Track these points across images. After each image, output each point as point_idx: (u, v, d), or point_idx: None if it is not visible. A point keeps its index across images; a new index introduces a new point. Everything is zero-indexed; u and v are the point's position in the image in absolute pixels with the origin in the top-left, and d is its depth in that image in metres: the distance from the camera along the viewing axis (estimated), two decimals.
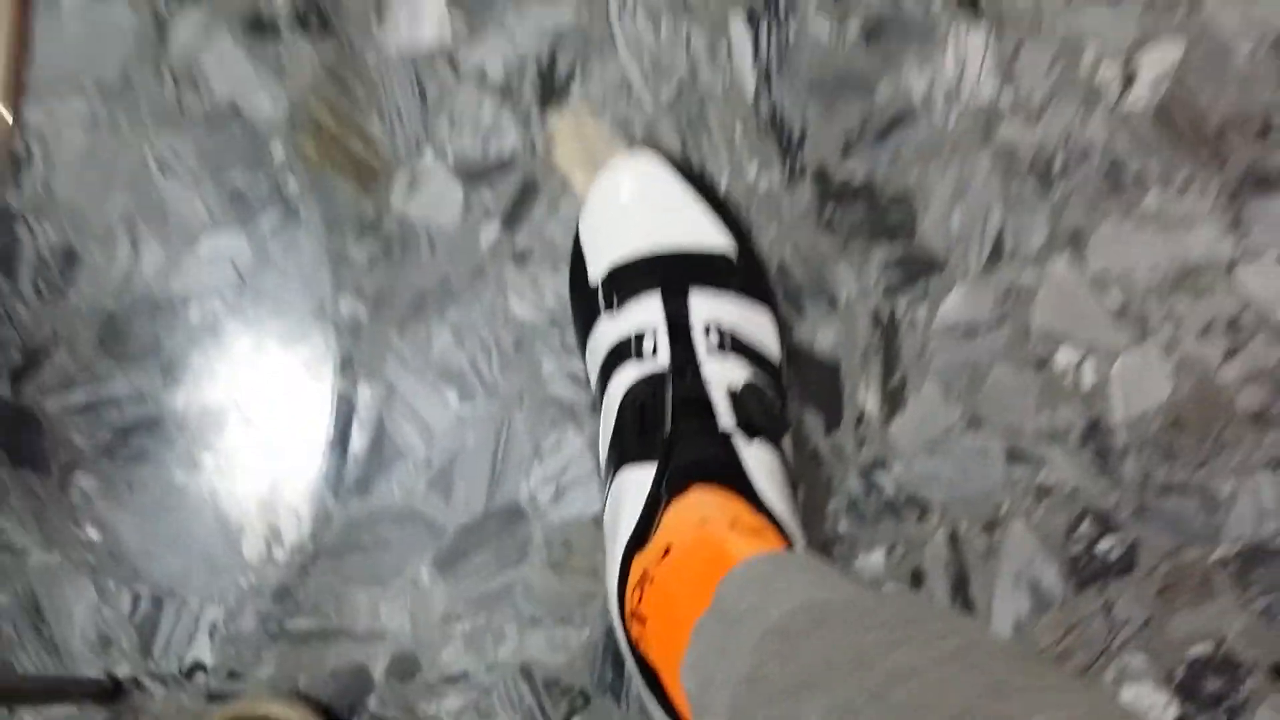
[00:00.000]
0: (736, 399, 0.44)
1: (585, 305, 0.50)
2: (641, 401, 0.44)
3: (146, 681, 0.51)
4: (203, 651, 0.52)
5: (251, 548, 0.53)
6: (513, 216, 0.55)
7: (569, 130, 0.56)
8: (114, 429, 0.54)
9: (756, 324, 0.49)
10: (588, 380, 0.52)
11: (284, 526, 0.53)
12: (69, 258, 0.55)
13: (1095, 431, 0.54)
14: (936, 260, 0.56)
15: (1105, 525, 0.54)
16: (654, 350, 0.45)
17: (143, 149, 0.56)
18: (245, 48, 0.56)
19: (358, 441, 0.53)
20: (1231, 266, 0.56)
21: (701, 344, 0.46)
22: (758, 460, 0.43)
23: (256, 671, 0.52)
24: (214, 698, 0.52)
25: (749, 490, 0.42)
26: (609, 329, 0.48)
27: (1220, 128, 0.57)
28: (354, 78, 0.56)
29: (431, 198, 0.56)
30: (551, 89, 0.57)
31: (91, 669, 0.50)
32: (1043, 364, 0.55)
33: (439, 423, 0.54)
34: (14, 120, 0.43)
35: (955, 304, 0.55)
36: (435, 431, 0.54)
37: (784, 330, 0.51)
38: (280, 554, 0.52)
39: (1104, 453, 0.54)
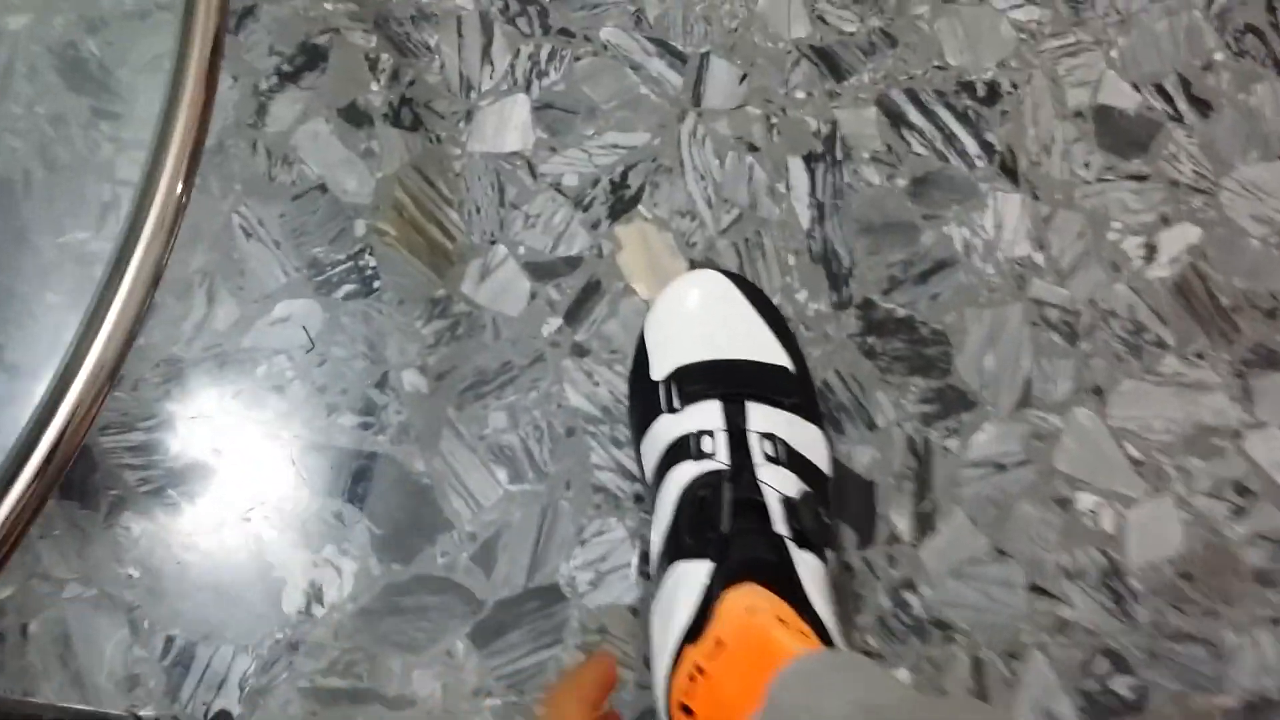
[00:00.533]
0: (791, 507, 0.60)
1: (645, 400, 0.68)
2: (700, 498, 0.60)
3: None
4: (230, 701, 0.67)
5: (291, 602, 0.69)
6: (574, 312, 0.76)
7: (635, 240, 0.79)
8: (165, 471, 0.71)
9: (809, 440, 0.66)
10: (639, 473, 0.71)
11: (325, 584, 0.70)
12: (147, 301, 0.74)
13: (1112, 574, 0.74)
14: (969, 397, 0.77)
15: (1119, 665, 0.73)
16: (713, 452, 0.62)
17: (229, 212, 0.76)
18: (339, 132, 0.78)
19: (408, 509, 0.71)
20: (1240, 433, 0.78)
21: (758, 451, 0.62)
22: (808, 567, 0.58)
23: None
24: None
25: (798, 595, 0.56)
26: (669, 426, 0.65)
27: (1233, 305, 0.80)
28: (438, 171, 0.78)
29: (500, 287, 0.76)
30: (621, 202, 0.79)
31: (116, 707, 0.65)
32: (1065, 505, 0.76)
33: (487, 499, 0.72)
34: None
35: (986, 440, 0.76)
36: (483, 506, 0.72)
37: (832, 449, 0.72)
38: (319, 611, 0.69)
39: (1119, 595, 0.74)
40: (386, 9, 0.78)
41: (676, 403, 0.65)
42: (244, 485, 0.69)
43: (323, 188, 0.75)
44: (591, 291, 0.75)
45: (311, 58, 0.77)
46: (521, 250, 0.75)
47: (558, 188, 0.76)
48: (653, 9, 0.80)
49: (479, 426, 0.72)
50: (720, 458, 0.62)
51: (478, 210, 0.75)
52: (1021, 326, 0.77)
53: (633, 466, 0.72)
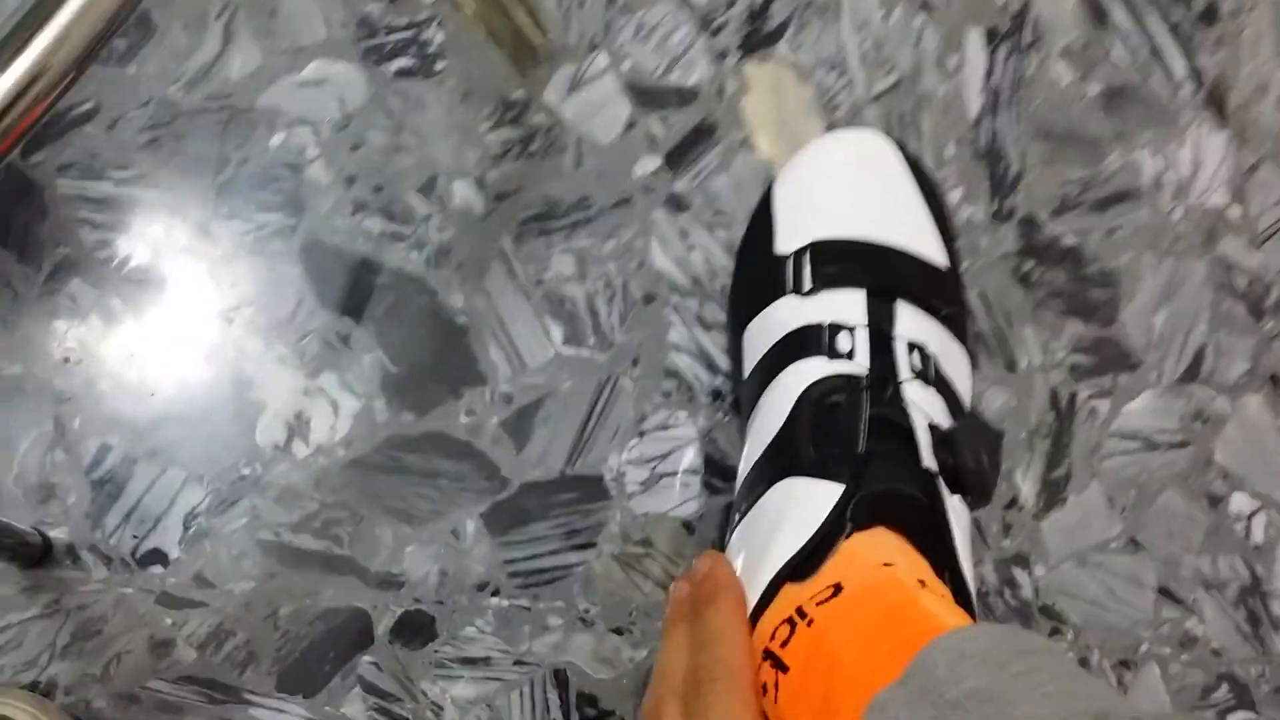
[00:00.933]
0: (944, 438, 0.47)
1: (761, 275, 0.53)
2: (832, 404, 0.47)
3: (85, 555, 0.51)
4: (169, 540, 0.52)
5: (267, 433, 0.54)
6: (678, 155, 0.61)
7: (766, 85, 0.63)
8: (135, 238, 0.55)
9: (957, 361, 0.52)
10: (728, 365, 0.57)
11: (315, 417, 0.55)
12: (143, 24, 0.58)
13: (1253, 592, 0.61)
14: (1131, 356, 0.63)
15: (1242, 698, 0.60)
16: (850, 351, 0.48)
17: None
18: None
19: (435, 350, 0.56)
20: None
21: (904, 363, 0.48)
22: (959, 517, 0.46)
23: (230, 585, 0.52)
24: (165, 602, 0.52)
25: (945, 550, 0.44)
26: (795, 310, 0.51)
27: None
28: None
29: (592, 104, 0.61)
30: (759, 35, 0.64)
31: (19, 519, 0.50)
32: (1216, 503, 0.62)
33: (534, 358, 0.57)
34: None
35: (1140, 409, 0.63)
36: (528, 366, 0.57)
37: (974, 389, 0.57)
38: (301, 449, 0.54)
39: (1257, 618, 0.61)
40: None
41: (809, 283, 0.51)
42: (231, 276, 0.54)
43: None
44: (703, 135, 0.60)
45: None
46: (626, 66, 0.60)
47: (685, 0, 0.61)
48: None
49: (538, 268, 0.57)
50: (859, 360, 0.48)
51: (581, 4, 0.60)
52: (1204, 287, 0.64)
53: (718, 355, 0.58)
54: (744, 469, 0.51)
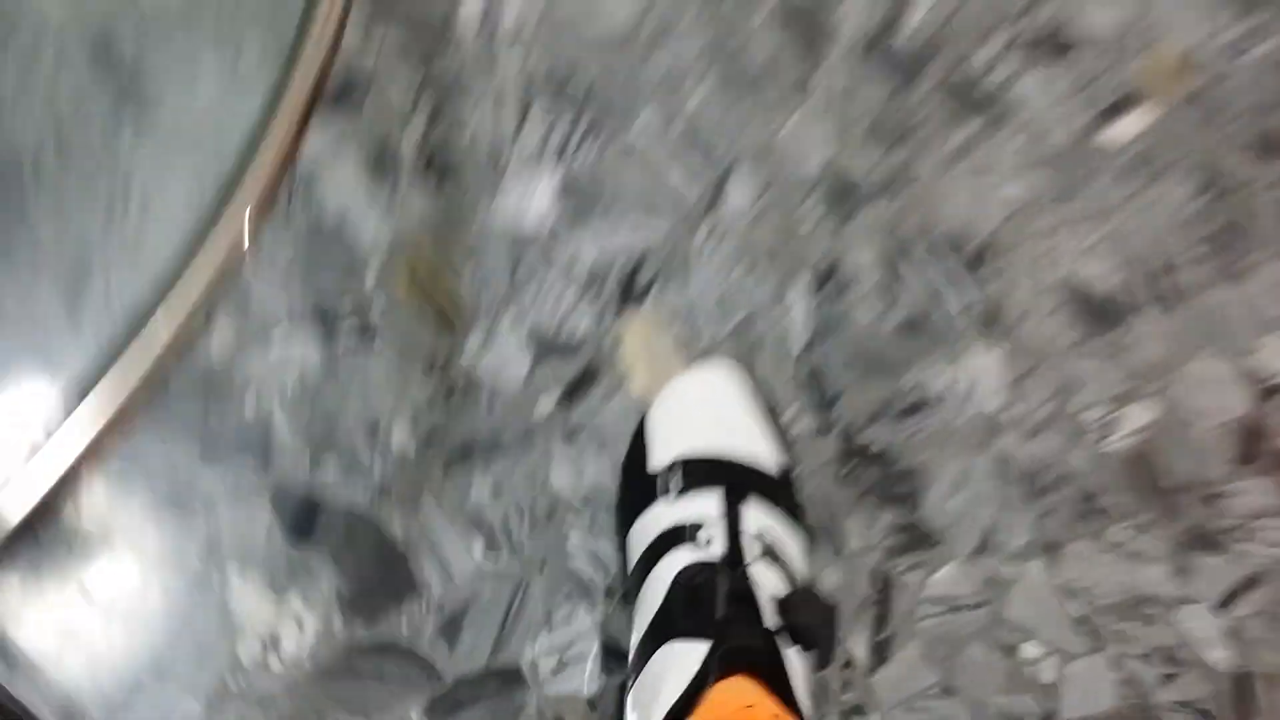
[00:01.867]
0: (782, 604, 0.62)
1: (639, 487, 0.69)
2: (696, 584, 0.62)
3: None
4: None
5: (248, 650, 0.67)
6: (570, 394, 0.77)
7: (637, 334, 0.81)
8: (135, 493, 0.69)
9: (794, 544, 0.69)
10: (620, 564, 0.72)
11: (285, 635, 0.68)
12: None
13: None
14: (934, 536, 0.80)
15: None
16: (708, 541, 0.65)
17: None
18: (365, 177, 0.79)
19: (380, 570, 0.71)
20: (1174, 606, 0.83)
21: (751, 548, 0.65)
22: (797, 665, 0.61)
23: None
24: None
25: (786, 693, 0.59)
26: (665, 513, 0.67)
27: (1176, 487, 0.86)
28: (455, 237, 0.79)
29: (500, 358, 0.77)
30: (630, 294, 0.81)
31: None
32: (1010, 651, 0.79)
33: (460, 571, 0.72)
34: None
35: (945, 579, 0.80)
36: (455, 578, 0.72)
37: (813, 564, 0.74)
38: (275, 663, 0.67)
39: None
40: (429, 71, 0.80)
41: (676, 491, 0.67)
42: (213, 519, 0.68)
43: (340, 231, 0.75)
44: (589, 378, 0.76)
45: (345, 97, 0.78)
46: (526, 325, 0.76)
47: (570, 270, 0.78)
48: (684, 116, 0.83)
49: (461, 495, 0.72)
50: (716, 549, 0.64)
51: (488, 281, 0.77)
52: (987, 477, 0.81)
53: (609, 557, 0.73)
54: (633, 646, 0.66)
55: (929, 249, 0.87)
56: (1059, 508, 0.82)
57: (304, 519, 0.70)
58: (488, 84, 0.81)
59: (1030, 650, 0.78)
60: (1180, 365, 0.88)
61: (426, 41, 0.81)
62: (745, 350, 0.80)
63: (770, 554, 0.66)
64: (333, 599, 0.68)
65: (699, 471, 0.68)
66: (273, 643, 0.67)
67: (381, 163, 0.78)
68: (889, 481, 0.80)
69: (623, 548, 0.70)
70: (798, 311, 0.83)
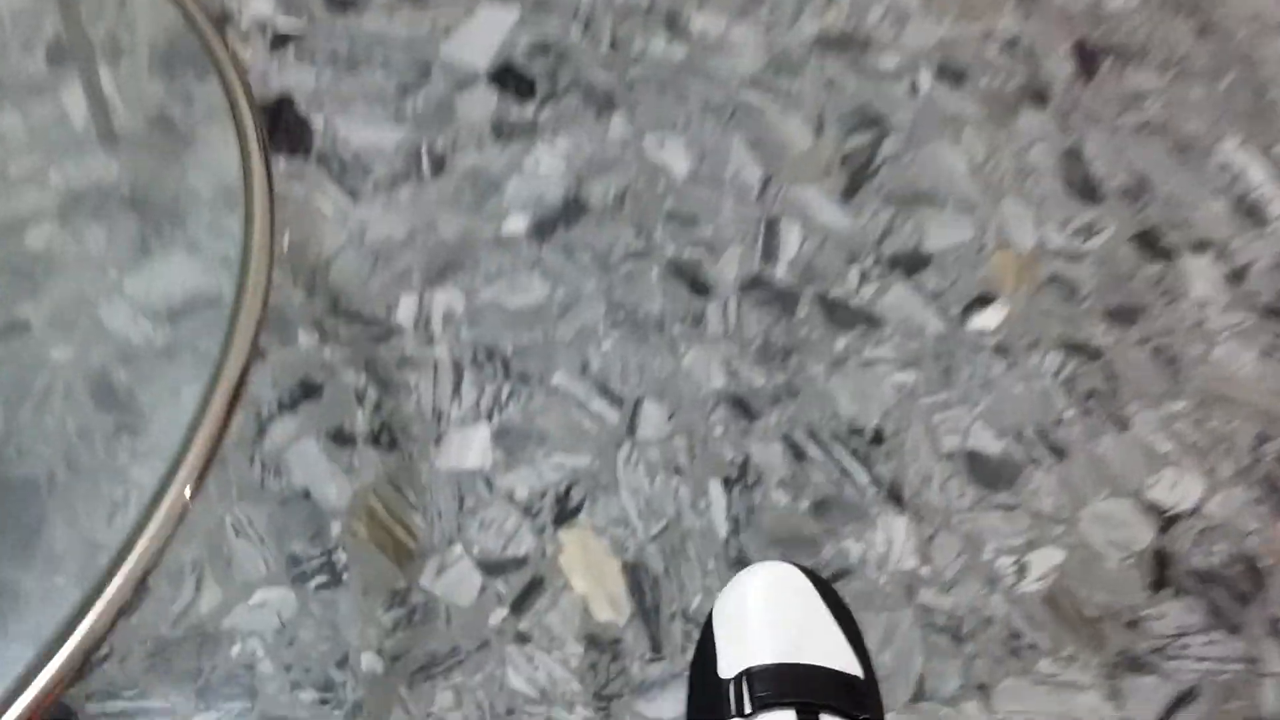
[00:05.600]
0: None
1: (710, 695, 0.66)
2: None
3: None
4: None
5: None
6: (519, 604, 0.89)
7: (575, 544, 0.93)
8: None
9: None
10: None
11: None
12: (139, 588, 0.86)
13: None
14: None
15: None
16: None
17: (224, 513, 0.90)
18: (326, 451, 0.94)
19: None
20: None
21: None
22: None
23: None
24: None
25: None
26: None
27: (1097, 616, 0.94)
28: (408, 482, 0.94)
29: (454, 580, 0.89)
30: (565, 511, 0.94)
31: None
32: None
33: None
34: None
35: None
36: None
37: None
38: None
39: None
40: (375, 355, 0.97)
41: (748, 707, 0.64)
42: None
43: (306, 494, 0.89)
44: (535, 586, 0.88)
45: (308, 391, 0.95)
46: (475, 550, 0.89)
47: (510, 499, 0.92)
48: (595, 361, 0.99)
49: (426, 704, 0.82)
50: None
51: (439, 515, 0.90)
52: (912, 629, 0.90)
53: None
54: None
55: (831, 436, 1.00)
56: (986, 649, 0.90)
57: None
58: (427, 361, 0.98)
59: None
60: (1080, 508, 0.98)
61: (373, 333, 0.99)
62: (676, 544, 0.92)
63: None
64: None
65: (770, 684, 0.65)
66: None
67: (340, 435, 0.93)
68: None
69: None
70: (717, 507, 0.95)
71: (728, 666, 0.68)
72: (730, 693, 0.65)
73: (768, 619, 0.69)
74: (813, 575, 0.72)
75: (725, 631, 0.71)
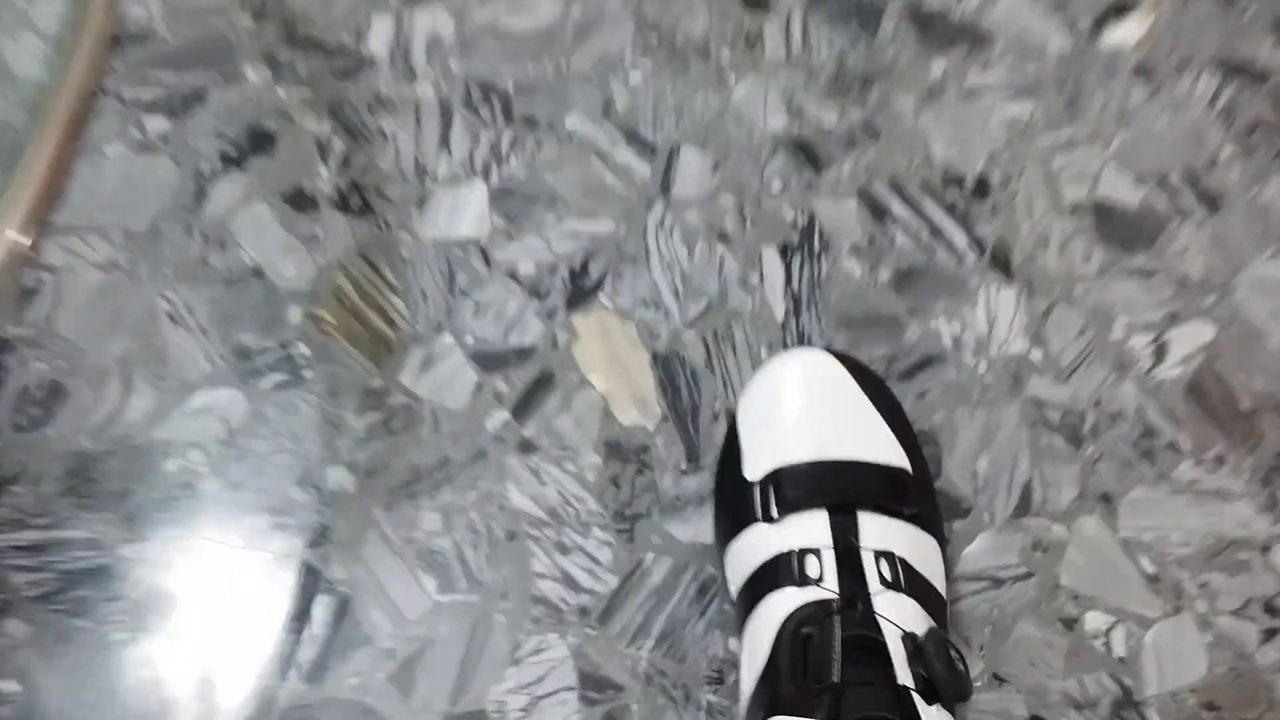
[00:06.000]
0: (917, 648, 0.50)
1: (735, 500, 0.58)
2: (805, 635, 0.50)
3: None
4: None
5: (181, 718, 0.62)
6: (523, 406, 0.71)
7: (593, 331, 0.74)
8: (58, 574, 0.66)
9: (927, 556, 0.57)
10: (719, 574, 0.62)
11: (221, 707, 0.63)
12: (55, 392, 0.70)
13: (1126, 704, 0.66)
14: (962, 504, 0.71)
15: None
16: (819, 576, 0.53)
17: (156, 298, 0.73)
18: (282, 217, 0.76)
19: (319, 621, 0.65)
20: (1268, 546, 0.71)
21: (873, 575, 0.52)
22: None
23: None
24: None
25: None
26: (765, 539, 0.56)
27: (1253, 408, 0.75)
28: (385, 257, 0.75)
29: (443, 378, 0.72)
30: (581, 291, 0.75)
31: None
32: (1071, 625, 0.68)
33: (412, 610, 0.66)
34: (31, 249, 0.60)
35: (980, 550, 0.69)
36: (407, 619, 0.65)
37: (949, 568, 0.62)
38: None
39: None
40: (342, 95, 0.77)
41: (775, 510, 0.57)
42: (140, 595, 0.64)
43: (259, 273, 0.72)
44: (543, 384, 0.70)
45: (259, 142, 0.76)
46: (469, 340, 0.71)
47: (513, 275, 0.73)
48: (621, 98, 0.78)
49: (408, 529, 0.66)
50: (828, 584, 0.53)
51: (424, 297, 0.72)
52: (1018, 428, 0.71)
53: (579, 574, 0.66)
54: (744, 693, 0.55)
55: (921, 188, 0.78)
56: (1112, 451, 0.72)
57: (238, 577, 0.65)
58: (407, 102, 0.77)
59: (1096, 620, 0.67)
60: (1237, 273, 0.77)
61: (338, 66, 0.78)
62: (720, 329, 0.73)
63: (899, 577, 0.54)
64: (270, 661, 0.63)
65: (799, 484, 0.57)
66: (209, 710, 0.61)
67: (300, 198, 0.75)
68: None
69: (722, 564, 0.61)
70: (773, 282, 0.75)
71: (753, 468, 0.58)
72: (756, 496, 0.57)
73: (797, 413, 0.59)
74: (851, 362, 0.62)
75: (750, 429, 0.60)
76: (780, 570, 0.55)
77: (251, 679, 0.63)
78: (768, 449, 0.59)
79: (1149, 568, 0.69)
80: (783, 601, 0.54)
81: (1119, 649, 0.67)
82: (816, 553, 0.54)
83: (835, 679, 0.49)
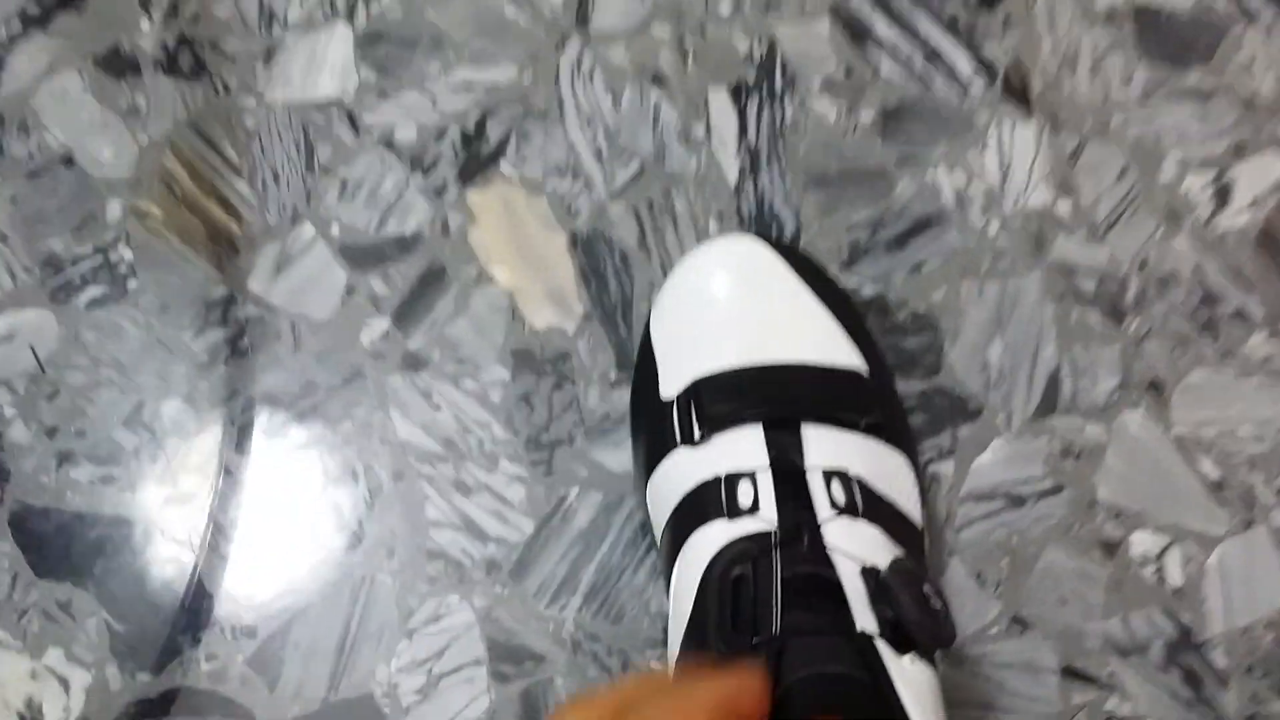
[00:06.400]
0: (879, 585, 0.40)
1: (653, 427, 0.47)
2: (736, 578, 0.40)
3: None
4: None
5: None
6: (407, 310, 0.57)
7: (494, 210, 0.59)
8: None
9: (894, 474, 0.46)
10: (648, 531, 0.49)
11: (45, 699, 0.50)
12: None
13: (1185, 646, 0.52)
14: (969, 403, 0.56)
15: None
16: (754, 504, 0.42)
17: None
18: (95, 87, 0.60)
19: (163, 596, 0.52)
20: None
21: (822, 500, 0.42)
22: (913, 685, 0.38)
23: None
24: None
25: None
26: (688, 466, 0.45)
27: None
28: (225, 129, 0.60)
29: (304, 280, 0.57)
30: (477, 159, 0.60)
31: None
32: (1113, 549, 0.54)
33: (275, 576, 0.52)
34: None
35: (993, 461, 0.55)
36: (269, 588, 0.52)
37: (924, 487, 0.49)
38: None
39: (1196, 677, 0.52)
40: None
41: (698, 430, 0.45)
42: None
43: (69, 160, 0.57)
44: (432, 281, 0.56)
45: (66, 6, 0.60)
46: (335, 230, 0.56)
47: (388, 144, 0.58)
48: None
49: (269, 473, 0.52)
50: (765, 514, 0.42)
51: (276, 178, 0.57)
52: (1042, 302, 0.56)
53: (486, 520, 0.52)
54: (670, 656, 0.44)
55: (914, 0, 0.62)
56: (1163, 325, 0.57)
57: (56, 542, 0.51)
58: None
59: (1144, 542, 0.53)
60: None
61: None
62: (657, 199, 0.58)
63: (856, 499, 0.43)
64: (105, 644, 0.50)
65: (725, 396, 0.45)
66: (31, 712, 0.49)
67: (117, 61, 0.59)
68: (891, 337, 0.56)
69: (644, 504, 0.49)
70: (725, 129, 0.59)
71: (671, 383, 0.47)
72: (674, 416, 0.46)
73: (720, 312, 0.47)
74: (786, 248, 0.50)
75: (664, 338, 0.48)
76: (706, 501, 0.44)
77: (79, 668, 0.50)
78: (686, 359, 0.47)
79: (1212, 472, 0.55)
80: (709, 539, 0.43)
81: (1174, 577, 0.53)
82: (750, 477, 0.43)
83: (775, 629, 0.39)
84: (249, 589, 0.52)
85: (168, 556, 0.52)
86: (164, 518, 0.53)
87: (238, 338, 0.56)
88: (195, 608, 0.51)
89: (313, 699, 0.50)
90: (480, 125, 0.60)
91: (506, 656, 0.51)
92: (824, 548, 0.41)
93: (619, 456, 0.54)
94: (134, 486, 0.53)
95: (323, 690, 0.50)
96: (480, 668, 0.51)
